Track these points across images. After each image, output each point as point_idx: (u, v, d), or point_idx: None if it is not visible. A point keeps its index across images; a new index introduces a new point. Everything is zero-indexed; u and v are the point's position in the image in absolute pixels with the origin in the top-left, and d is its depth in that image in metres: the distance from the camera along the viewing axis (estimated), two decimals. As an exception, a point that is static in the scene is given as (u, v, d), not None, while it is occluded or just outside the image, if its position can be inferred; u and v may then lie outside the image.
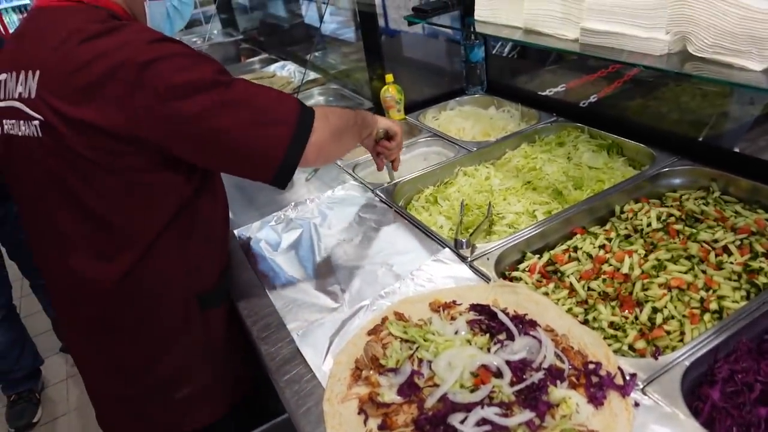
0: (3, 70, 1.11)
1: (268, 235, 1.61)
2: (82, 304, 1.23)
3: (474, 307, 1.15)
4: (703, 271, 1.23)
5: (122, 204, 1.10)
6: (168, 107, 0.99)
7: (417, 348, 1.07)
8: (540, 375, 0.96)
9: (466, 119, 2.18)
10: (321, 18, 3.45)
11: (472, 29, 2.09)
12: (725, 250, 1.28)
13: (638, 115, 2.07)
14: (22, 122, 1.07)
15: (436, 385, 0.98)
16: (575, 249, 1.40)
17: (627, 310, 1.19)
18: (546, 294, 1.27)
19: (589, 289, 1.27)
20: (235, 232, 1.64)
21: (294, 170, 1.12)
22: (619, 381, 0.95)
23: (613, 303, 1.22)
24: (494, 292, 1.21)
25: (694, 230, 1.35)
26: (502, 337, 1.06)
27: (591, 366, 0.98)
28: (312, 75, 2.89)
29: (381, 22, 4.60)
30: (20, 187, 1.20)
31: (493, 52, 3.43)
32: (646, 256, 1.30)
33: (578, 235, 1.44)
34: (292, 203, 1.73)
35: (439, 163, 1.85)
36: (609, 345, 1.08)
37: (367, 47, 2.36)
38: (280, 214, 1.69)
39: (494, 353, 1.02)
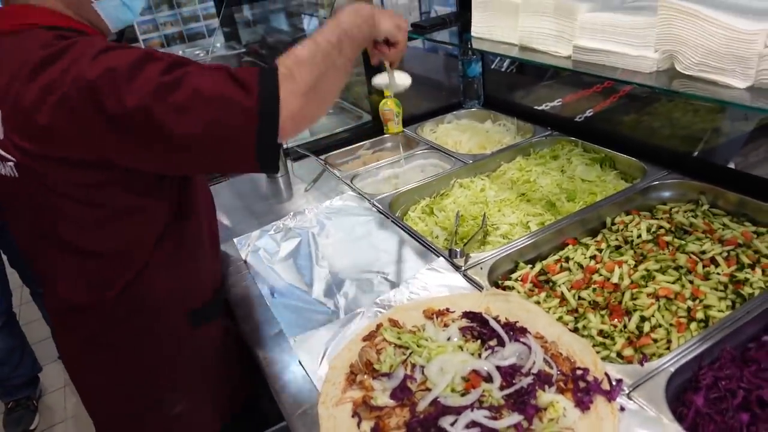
0: None
1: (267, 243, 1.64)
2: (74, 326, 1.23)
3: (466, 315, 1.18)
4: (691, 282, 1.26)
5: (106, 235, 1.09)
6: (123, 126, 0.93)
7: (410, 353, 1.10)
8: (529, 380, 0.99)
9: (462, 132, 2.23)
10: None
11: (469, 45, 2.14)
12: (713, 261, 1.31)
13: (631, 129, 2.12)
14: (0, 164, 1.04)
15: (428, 390, 1.01)
16: (567, 259, 1.43)
17: (616, 319, 1.22)
18: (537, 303, 1.30)
19: (579, 298, 1.30)
20: (235, 240, 1.68)
21: (276, 150, 1.00)
22: (605, 386, 0.98)
23: (603, 312, 1.25)
24: (487, 300, 1.24)
25: (683, 242, 1.38)
26: (493, 343, 1.09)
27: (579, 372, 1.01)
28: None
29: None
30: (13, 222, 1.18)
31: (492, 67, 3.49)
32: (635, 266, 1.34)
33: (570, 246, 1.47)
34: (291, 213, 1.77)
35: (436, 174, 1.89)
36: (597, 352, 1.11)
37: (366, 61, 2.41)
38: (279, 224, 1.72)
39: (485, 359, 1.05)
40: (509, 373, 1.01)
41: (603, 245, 1.44)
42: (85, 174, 1.01)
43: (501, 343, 1.08)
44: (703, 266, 1.30)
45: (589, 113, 2.27)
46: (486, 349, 1.08)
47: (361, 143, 2.25)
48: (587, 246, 1.46)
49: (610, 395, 0.96)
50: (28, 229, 1.14)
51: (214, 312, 1.33)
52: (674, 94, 1.38)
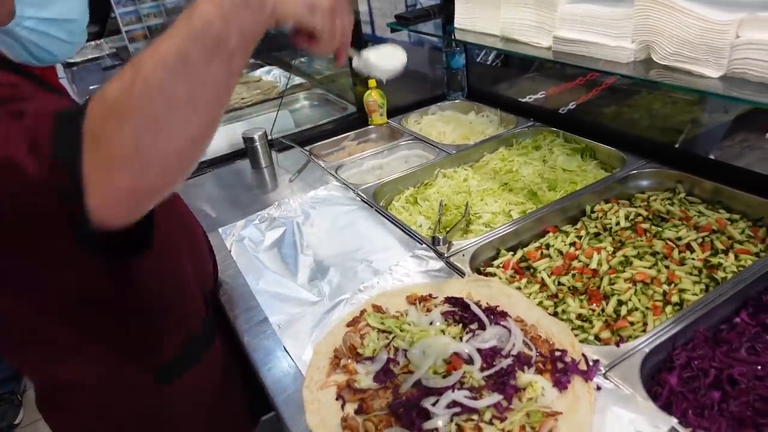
0: None
1: (252, 233, 1.65)
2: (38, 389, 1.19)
3: (449, 300, 1.21)
4: (667, 267, 1.30)
5: (47, 312, 0.96)
6: None
7: (393, 338, 1.12)
8: (508, 361, 1.01)
9: (446, 124, 2.25)
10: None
11: (452, 37, 2.16)
12: (688, 247, 1.35)
13: (612, 121, 2.15)
14: None
15: (411, 372, 1.03)
16: (547, 246, 1.46)
17: (594, 303, 1.25)
18: (519, 288, 1.32)
19: (559, 283, 1.33)
20: (219, 230, 1.68)
21: (94, 237, 0.67)
22: (582, 367, 1.01)
23: (582, 296, 1.28)
24: (468, 286, 1.27)
25: (660, 229, 1.41)
26: (474, 326, 1.11)
27: (557, 353, 1.04)
28: (297, 80, 2.95)
29: (368, 30, 4.67)
30: None
31: (478, 60, 3.52)
32: (614, 252, 1.37)
33: (550, 234, 1.50)
34: (276, 203, 1.77)
35: (420, 165, 1.91)
36: (576, 335, 1.14)
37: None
38: (263, 213, 1.73)
39: (466, 342, 1.08)
40: (489, 355, 1.03)
41: (582, 232, 1.47)
42: None
43: (482, 327, 1.11)
44: (679, 252, 1.33)
45: (572, 106, 2.31)
46: (467, 333, 1.10)
47: (346, 134, 2.26)
48: (567, 233, 1.49)
49: (587, 375, 0.99)
50: None
51: (183, 366, 1.18)
52: (650, 83, 1.41)
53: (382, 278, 1.35)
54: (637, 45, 1.29)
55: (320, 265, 1.46)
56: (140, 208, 0.68)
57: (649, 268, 1.30)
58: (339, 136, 2.25)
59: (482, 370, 1.01)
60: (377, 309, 1.22)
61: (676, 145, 1.88)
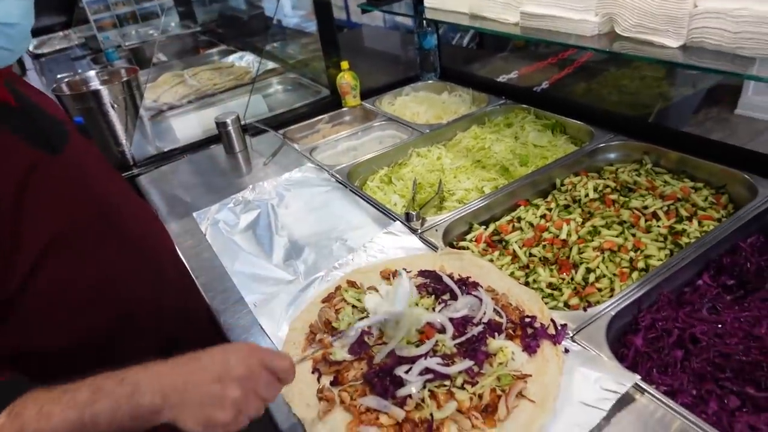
0: None
1: (227, 216, 1.65)
2: None
3: (422, 273, 1.22)
4: (633, 235, 1.33)
5: None
6: None
7: (368, 313, 1.14)
8: (479, 329, 1.04)
9: (420, 104, 2.26)
10: (276, 8, 3.48)
11: (423, 16, 2.16)
12: (654, 215, 1.38)
13: (582, 97, 2.19)
14: None
15: (385, 344, 1.05)
16: (519, 219, 1.49)
17: (564, 272, 1.28)
18: (491, 261, 1.35)
19: (530, 255, 1.35)
20: (194, 214, 1.68)
21: None
22: (551, 331, 1.04)
23: (552, 266, 1.31)
24: (441, 259, 1.29)
25: (627, 199, 1.45)
26: (446, 297, 1.13)
27: (527, 319, 1.06)
28: (270, 65, 2.92)
29: (343, 15, 4.65)
30: None
31: (453, 42, 3.53)
32: (582, 223, 1.40)
33: (522, 207, 1.53)
34: (250, 186, 1.77)
35: (393, 144, 1.92)
36: (546, 303, 1.17)
37: (323, 35, 2.41)
38: (238, 197, 1.73)
39: (439, 312, 1.10)
40: (461, 324, 1.06)
41: (553, 205, 1.49)
42: None
43: (454, 297, 1.13)
44: (645, 220, 1.37)
45: (545, 85, 2.33)
46: (439, 303, 1.12)
47: (320, 117, 2.26)
48: (538, 206, 1.51)
49: (555, 339, 1.02)
50: None
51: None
52: (614, 55, 1.43)
53: (357, 255, 1.37)
54: (600, 18, 1.31)
55: (295, 245, 1.47)
56: None
57: (617, 236, 1.33)
58: (313, 119, 2.25)
59: (454, 338, 1.03)
60: (352, 284, 1.23)
61: (649, 120, 1.92)
